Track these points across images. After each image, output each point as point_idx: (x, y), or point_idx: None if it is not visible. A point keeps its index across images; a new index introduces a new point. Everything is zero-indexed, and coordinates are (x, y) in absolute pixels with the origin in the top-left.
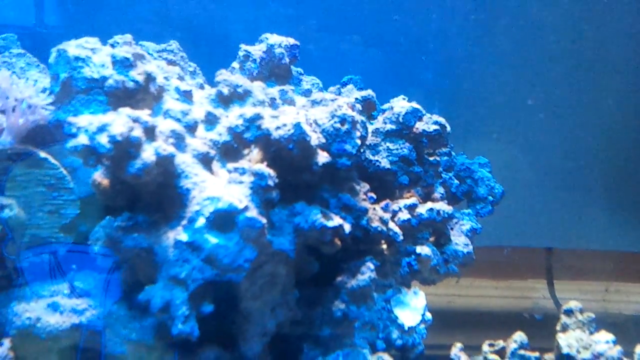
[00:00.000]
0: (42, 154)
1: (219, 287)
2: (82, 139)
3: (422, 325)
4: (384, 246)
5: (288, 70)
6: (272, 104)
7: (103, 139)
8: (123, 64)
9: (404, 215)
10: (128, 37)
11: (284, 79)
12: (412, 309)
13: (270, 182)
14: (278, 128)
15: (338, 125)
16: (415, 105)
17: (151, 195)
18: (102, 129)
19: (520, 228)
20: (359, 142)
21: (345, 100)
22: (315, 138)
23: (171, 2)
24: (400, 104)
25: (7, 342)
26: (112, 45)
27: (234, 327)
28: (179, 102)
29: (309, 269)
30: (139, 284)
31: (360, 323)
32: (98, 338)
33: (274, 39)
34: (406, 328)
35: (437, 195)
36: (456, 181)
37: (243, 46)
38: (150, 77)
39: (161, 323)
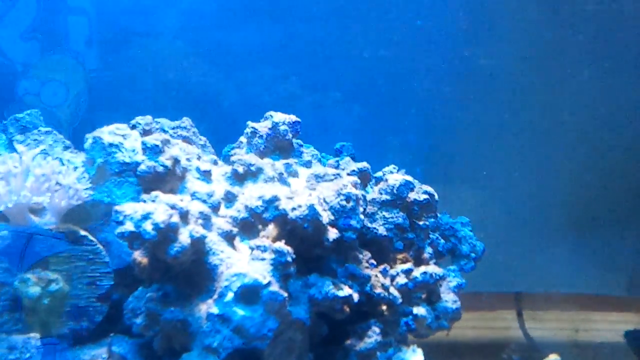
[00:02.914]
0: (82, 232)
1: (244, 353)
2: (129, 226)
3: None
4: (384, 307)
5: (291, 144)
6: (280, 178)
7: (148, 227)
8: (153, 151)
9: (402, 279)
10: (149, 118)
11: (287, 152)
12: None
13: (289, 259)
14: (294, 209)
15: (344, 202)
16: (407, 177)
17: (182, 271)
18: (146, 217)
19: (490, 273)
20: (362, 217)
21: (349, 180)
22: (326, 217)
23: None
24: (394, 177)
25: None
26: (134, 127)
27: None
28: (201, 182)
29: (319, 333)
30: (172, 350)
31: None
32: None
33: (278, 117)
34: None
35: (426, 255)
36: (442, 240)
37: (250, 123)
38: (176, 161)
39: None
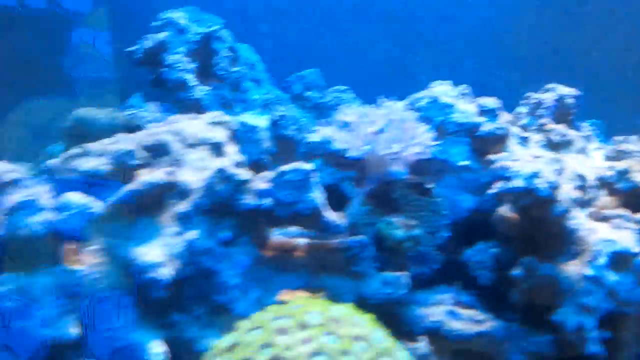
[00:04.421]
0: (429, 184)
1: (609, 317)
2: (519, 182)
3: None
4: None
5: (571, 118)
6: (584, 151)
7: (541, 184)
8: (492, 114)
9: None
10: (446, 83)
11: (567, 125)
12: None
13: None
14: None
15: None
16: None
17: (539, 230)
18: (535, 175)
19: None
20: None
21: None
22: None
23: None
24: None
25: (423, 338)
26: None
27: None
28: (521, 147)
29: None
30: (529, 305)
31: None
32: (498, 347)
33: (562, 89)
34: None
35: None
36: None
37: (533, 94)
38: (509, 124)
39: (559, 340)
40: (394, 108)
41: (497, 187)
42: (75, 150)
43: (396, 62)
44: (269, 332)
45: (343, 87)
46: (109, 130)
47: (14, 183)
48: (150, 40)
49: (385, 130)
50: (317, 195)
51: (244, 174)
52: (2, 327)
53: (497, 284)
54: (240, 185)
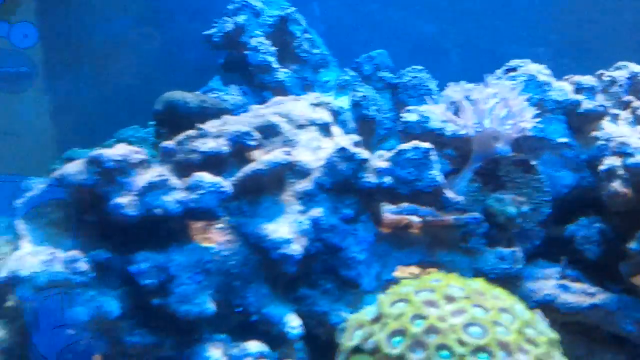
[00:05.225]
0: (533, 162)
1: None
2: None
3: None
4: None
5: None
6: None
7: None
8: (591, 92)
9: None
10: (527, 61)
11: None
12: None
13: None
14: None
15: None
16: None
17: None
18: None
19: None
20: None
21: None
22: None
23: None
24: None
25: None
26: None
27: None
28: (613, 124)
29: None
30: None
31: None
32: (611, 318)
33: (634, 67)
34: None
35: None
36: None
37: (605, 72)
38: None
39: None
40: (503, 86)
41: (607, 163)
42: (190, 132)
43: (429, 40)
44: (416, 304)
45: (419, 67)
46: (199, 113)
47: (142, 164)
48: (229, 23)
49: (495, 108)
50: (438, 173)
51: (364, 152)
52: (143, 304)
53: (602, 257)
54: (362, 164)
